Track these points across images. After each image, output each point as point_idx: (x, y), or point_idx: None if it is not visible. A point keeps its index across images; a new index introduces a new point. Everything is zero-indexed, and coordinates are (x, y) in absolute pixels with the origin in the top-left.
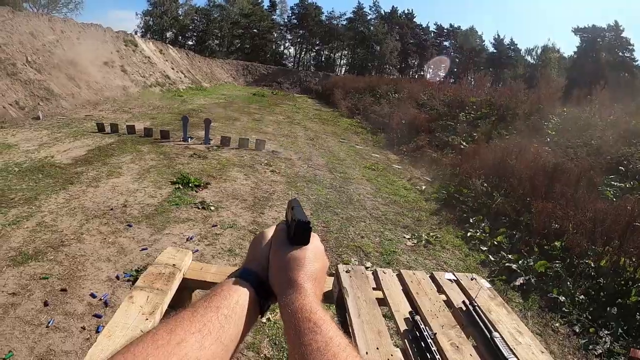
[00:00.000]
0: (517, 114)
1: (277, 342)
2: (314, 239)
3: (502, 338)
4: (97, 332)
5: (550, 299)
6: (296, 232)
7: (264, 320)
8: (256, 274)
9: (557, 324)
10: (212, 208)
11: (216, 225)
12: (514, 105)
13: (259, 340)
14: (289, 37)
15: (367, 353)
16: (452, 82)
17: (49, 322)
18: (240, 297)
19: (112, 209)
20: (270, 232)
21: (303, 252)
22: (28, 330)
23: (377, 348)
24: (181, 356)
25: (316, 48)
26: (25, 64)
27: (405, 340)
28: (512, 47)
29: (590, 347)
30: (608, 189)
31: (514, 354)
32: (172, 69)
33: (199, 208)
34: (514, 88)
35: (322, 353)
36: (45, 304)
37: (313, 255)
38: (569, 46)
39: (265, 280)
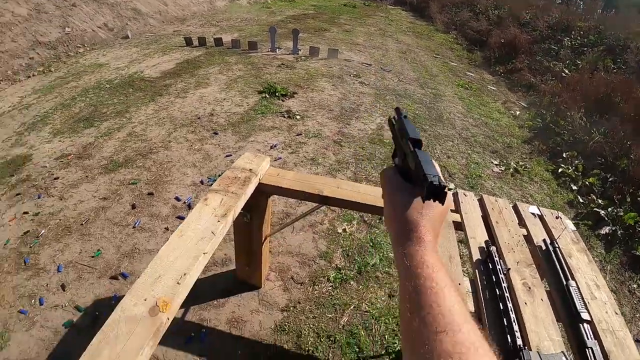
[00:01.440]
0: (628, 47)
1: (349, 254)
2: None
3: (578, 288)
4: None
5: (634, 256)
6: (427, 193)
7: (339, 230)
8: None
9: (634, 285)
10: (298, 117)
11: (301, 134)
12: (625, 36)
13: (333, 250)
14: None
15: None
16: (558, 2)
17: (135, 223)
18: None
19: (199, 118)
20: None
21: (433, 207)
22: (116, 231)
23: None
24: None
25: None
26: None
27: (476, 270)
28: None
29: None
30: None
31: (587, 308)
32: None
33: (284, 117)
34: (628, 17)
35: (444, 319)
36: (133, 207)
37: (436, 204)
38: None
39: None
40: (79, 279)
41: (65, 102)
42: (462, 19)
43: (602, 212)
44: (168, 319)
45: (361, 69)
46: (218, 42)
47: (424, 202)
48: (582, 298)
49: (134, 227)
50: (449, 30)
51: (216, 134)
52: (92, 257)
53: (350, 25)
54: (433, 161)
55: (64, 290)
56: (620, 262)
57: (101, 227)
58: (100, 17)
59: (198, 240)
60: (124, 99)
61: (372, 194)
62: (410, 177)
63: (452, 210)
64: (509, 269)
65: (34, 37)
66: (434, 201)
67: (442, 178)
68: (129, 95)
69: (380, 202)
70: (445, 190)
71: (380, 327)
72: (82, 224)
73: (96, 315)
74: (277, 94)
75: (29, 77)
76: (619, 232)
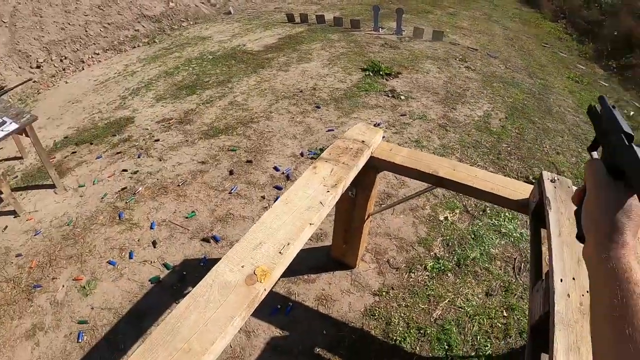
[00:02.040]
0: None
1: (449, 244)
2: None
3: None
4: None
5: None
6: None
7: (441, 218)
8: None
9: None
10: (402, 97)
11: (405, 115)
12: None
13: (433, 237)
14: None
15: (561, 281)
16: None
17: (232, 189)
18: None
19: (301, 91)
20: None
21: (635, 200)
22: (212, 195)
23: (574, 278)
24: None
25: None
26: None
27: None
28: None
29: None
30: None
31: None
32: None
33: (388, 96)
34: None
35: None
36: (231, 172)
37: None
38: None
39: None
40: (171, 237)
41: (168, 71)
42: (572, 7)
43: None
44: (265, 290)
45: (467, 53)
46: (320, 19)
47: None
48: None
49: (230, 193)
50: (557, 18)
51: (318, 107)
52: (186, 217)
53: (454, 8)
54: None
55: (154, 247)
56: None
57: (197, 190)
58: None
59: (305, 210)
60: (226, 69)
61: (491, 181)
62: (620, 175)
63: None
64: None
65: (139, 10)
66: None
67: None
68: (231, 67)
69: (497, 190)
70: None
71: (474, 326)
72: (178, 185)
73: (183, 274)
74: (381, 73)
75: (134, 47)
76: None
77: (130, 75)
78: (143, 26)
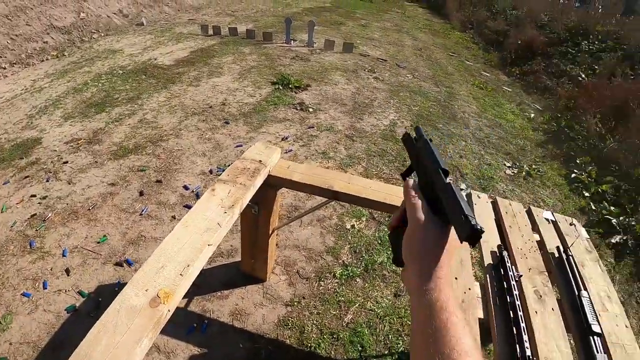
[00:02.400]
0: None
1: (357, 251)
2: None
3: (590, 299)
4: None
5: None
6: (467, 238)
7: (348, 226)
8: None
9: None
10: (311, 110)
11: (313, 127)
12: None
13: (340, 246)
14: None
15: None
16: (577, 5)
17: (142, 211)
18: None
19: (210, 107)
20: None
21: (452, 242)
22: (123, 217)
23: (456, 278)
24: None
25: None
26: None
27: (488, 275)
28: None
29: None
30: None
31: (598, 321)
32: None
33: (297, 109)
34: None
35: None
36: (141, 193)
37: (457, 247)
38: None
39: None
40: (84, 264)
41: (77, 87)
42: (479, 18)
43: (614, 220)
44: (169, 310)
45: (376, 64)
46: (233, 31)
47: (461, 242)
48: (594, 310)
49: (140, 214)
50: (465, 29)
51: (227, 123)
52: (98, 242)
53: (367, 20)
54: (464, 195)
55: (68, 275)
56: (629, 273)
57: (108, 213)
58: (116, 3)
59: (203, 232)
60: (136, 85)
61: (384, 191)
62: (437, 208)
63: None
64: (521, 275)
65: (49, 21)
66: (469, 242)
67: (470, 210)
68: (141, 82)
69: (390, 200)
70: (482, 234)
71: (385, 326)
72: (89, 209)
73: (99, 301)
74: (290, 86)
75: (43, 61)
76: (629, 242)
77: (37, 91)
78: (52, 38)
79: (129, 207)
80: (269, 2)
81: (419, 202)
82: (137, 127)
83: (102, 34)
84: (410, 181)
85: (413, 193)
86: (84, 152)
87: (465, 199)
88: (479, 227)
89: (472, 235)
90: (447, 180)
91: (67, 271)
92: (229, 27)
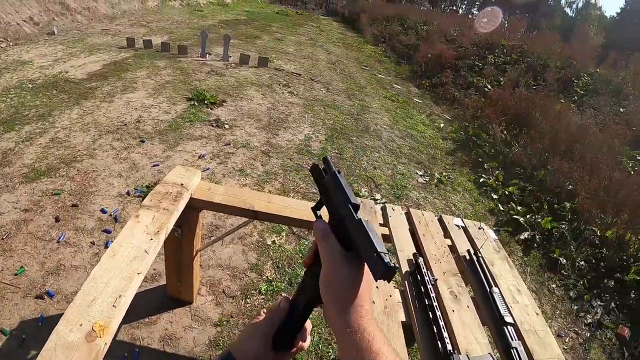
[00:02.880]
0: (548, 65)
1: (279, 266)
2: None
3: (501, 294)
4: (106, 247)
5: (552, 259)
6: (381, 275)
7: (269, 242)
8: None
9: (553, 285)
10: (227, 126)
11: (229, 144)
12: (546, 56)
13: (263, 262)
14: None
15: None
16: (484, 21)
17: (59, 238)
18: None
19: (125, 125)
20: (267, 327)
21: (370, 277)
22: (39, 246)
23: (377, 287)
24: None
25: None
26: None
27: (406, 282)
28: None
29: (582, 314)
30: (629, 161)
31: (509, 312)
32: None
33: (213, 126)
34: (549, 38)
35: None
36: (57, 219)
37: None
38: (612, 6)
39: None
40: (2, 298)
41: None
42: (391, 32)
43: (522, 219)
44: (106, 344)
45: (291, 79)
46: (147, 43)
47: (376, 280)
48: (505, 303)
49: (58, 242)
50: (378, 43)
51: (143, 142)
52: (15, 274)
53: (282, 33)
54: (375, 230)
55: None
56: (539, 264)
57: (23, 242)
58: (27, 9)
59: (131, 260)
60: (47, 101)
61: (302, 209)
62: (348, 243)
63: (380, 224)
64: (437, 279)
65: None
66: (384, 280)
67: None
68: (52, 98)
69: (308, 217)
70: (396, 272)
71: (314, 337)
72: (2, 239)
73: (23, 338)
74: (206, 102)
75: None
76: (537, 237)
77: None
78: None
79: (45, 235)
80: (184, 13)
81: (330, 243)
82: (49, 147)
83: (11, 43)
84: (321, 223)
85: (324, 233)
86: None
87: (378, 234)
88: (392, 265)
89: (386, 273)
90: (357, 216)
91: None
92: (143, 40)
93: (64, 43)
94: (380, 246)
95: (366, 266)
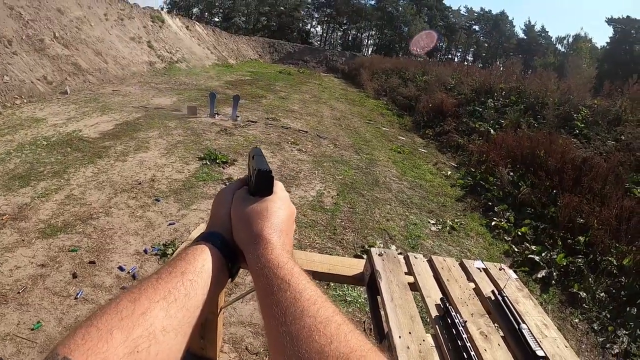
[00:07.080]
0: (546, 103)
1: None
2: (277, 187)
3: (529, 330)
4: None
5: (571, 294)
6: (257, 182)
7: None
8: (221, 236)
9: (576, 320)
10: None
11: None
12: (543, 94)
13: None
14: (316, 15)
15: (400, 337)
16: (480, 66)
17: (77, 294)
18: (205, 260)
19: (140, 184)
20: (230, 190)
21: (265, 203)
22: (56, 302)
23: (410, 332)
24: (146, 326)
25: (343, 27)
26: (52, 40)
27: (437, 326)
28: (542, 34)
29: (608, 345)
30: (636, 187)
31: (540, 346)
32: (199, 45)
33: (225, 184)
34: (544, 76)
35: (291, 310)
36: (74, 275)
37: (277, 205)
38: (601, 37)
39: (232, 242)
40: (18, 353)
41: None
42: (391, 85)
43: (537, 257)
44: None
45: (298, 136)
46: (157, 105)
47: (255, 195)
48: (535, 338)
49: (75, 298)
50: (379, 96)
51: (158, 200)
52: (32, 329)
53: (286, 92)
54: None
55: None
56: (559, 301)
57: (40, 297)
58: (40, 69)
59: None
60: (61, 158)
61: (327, 262)
62: (253, 187)
63: (405, 273)
64: (466, 321)
65: None
66: (264, 186)
67: (269, 166)
68: (67, 155)
69: (335, 270)
70: (272, 174)
71: None
72: (19, 293)
73: None
74: (217, 161)
75: None
76: (554, 274)
77: None
78: None
79: (63, 291)
80: (191, 74)
81: (227, 190)
82: (65, 204)
83: (25, 101)
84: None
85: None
86: (9, 229)
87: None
88: (264, 169)
89: (263, 179)
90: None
91: None
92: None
93: (76, 102)
94: (263, 165)
95: (267, 201)
